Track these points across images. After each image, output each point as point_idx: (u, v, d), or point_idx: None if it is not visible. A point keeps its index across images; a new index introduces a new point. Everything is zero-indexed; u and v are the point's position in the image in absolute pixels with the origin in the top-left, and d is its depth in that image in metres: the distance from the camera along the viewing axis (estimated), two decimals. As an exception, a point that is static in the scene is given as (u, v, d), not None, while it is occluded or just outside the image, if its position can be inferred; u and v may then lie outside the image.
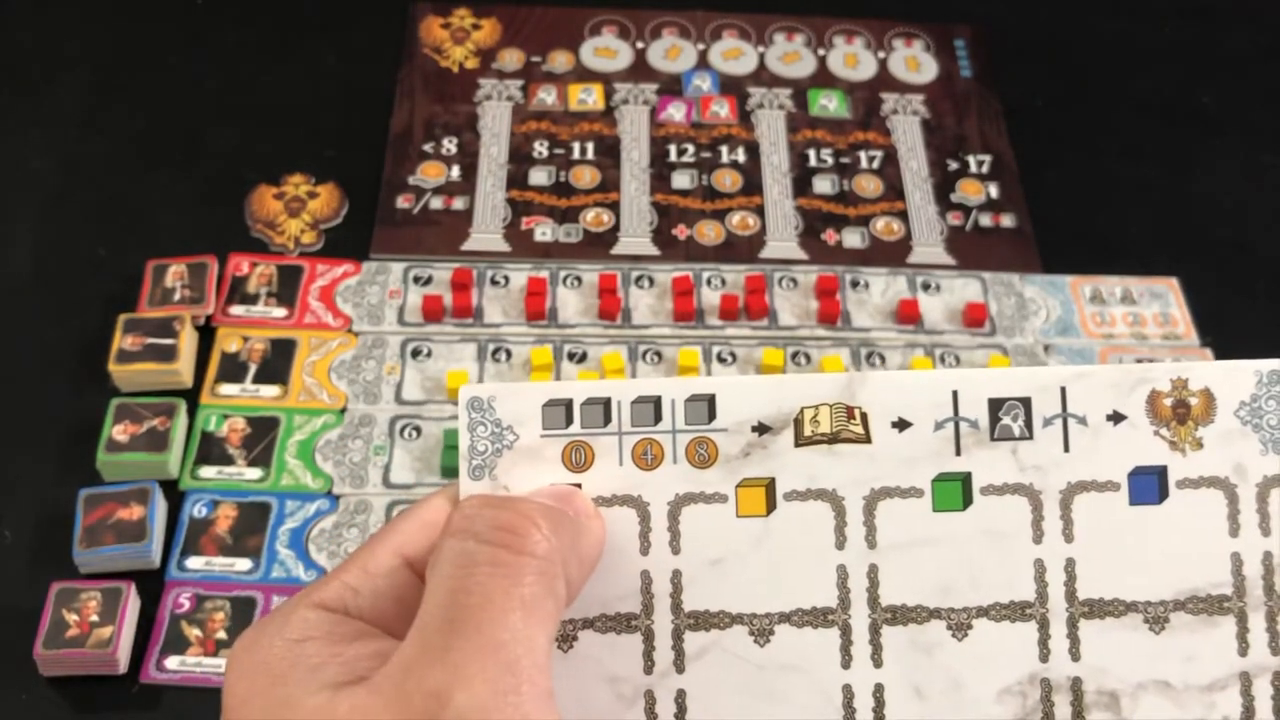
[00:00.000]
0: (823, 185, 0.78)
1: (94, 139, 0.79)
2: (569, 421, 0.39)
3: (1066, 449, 0.39)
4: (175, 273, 0.71)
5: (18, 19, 0.85)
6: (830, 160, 0.80)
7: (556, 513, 0.37)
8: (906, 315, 0.72)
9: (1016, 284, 0.74)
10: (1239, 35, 0.88)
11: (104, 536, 0.62)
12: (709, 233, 0.76)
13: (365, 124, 0.80)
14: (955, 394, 0.39)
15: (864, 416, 0.39)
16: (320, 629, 0.35)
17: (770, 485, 0.39)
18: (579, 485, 0.39)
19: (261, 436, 0.67)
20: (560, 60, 0.84)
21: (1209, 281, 0.75)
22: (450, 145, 0.79)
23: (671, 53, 0.85)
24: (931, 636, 0.39)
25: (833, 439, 0.39)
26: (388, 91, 0.82)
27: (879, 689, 0.39)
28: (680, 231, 0.76)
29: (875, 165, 0.80)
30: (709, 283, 0.73)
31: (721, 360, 0.70)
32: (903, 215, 0.77)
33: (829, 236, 0.76)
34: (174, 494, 0.65)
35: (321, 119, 0.81)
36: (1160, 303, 0.74)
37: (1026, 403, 0.39)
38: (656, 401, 0.39)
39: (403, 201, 0.76)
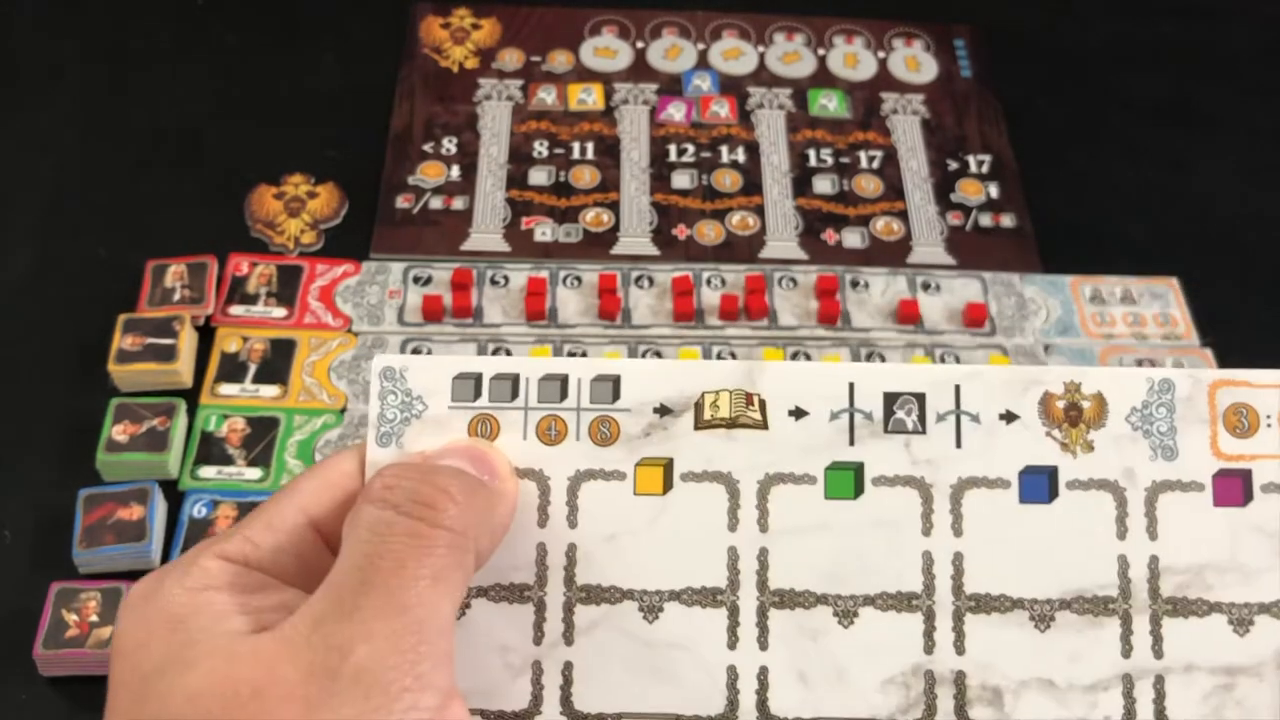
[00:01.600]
0: (823, 185, 0.78)
1: (94, 139, 0.79)
2: (477, 395, 0.40)
3: (959, 445, 0.40)
4: (175, 273, 0.71)
5: (18, 19, 0.85)
6: (830, 160, 0.80)
7: (472, 483, 0.38)
8: (906, 315, 0.72)
9: (1016, 284, 0.74)
10: (1239, 35, 0.88)
11: (104, 536, 0.62)
12: (709, 233, 0.76)
13: (365, 124, 0.80)
14: (851, 386, 0.40)
15: (762, 404, 0.40)
16: (222, 579, 0.36)
17: (668, 465, 0.40)
18: None
19: (261, 436, 0.67)
20: (560, 60, 0.84)
21: (1209, 282, 0.75)
22: (450, 145, 0.79)
23: (671, 53, 0.85)
24: (817, 622, 0.39)
25: (731, 424, 0.40)
26: (388, 91, 0.82)
27: (763, 672, 0.39)
28: (680, 231, 0.76)
29: (875, 165, 0.80)
30: (709, 283, 0.73)
31: (721, 360, 0.70)
32: (903, 215, 0.77)
33: (829, 236, 0.76)
34: (174, 494, 0.65)
35: (321, 119, 0.81)
36: (1160, 303, 0.74)
37: (920, 398, 0.40)
38: (564, 379, 0.40)
39: (403, 201, 0.76)
